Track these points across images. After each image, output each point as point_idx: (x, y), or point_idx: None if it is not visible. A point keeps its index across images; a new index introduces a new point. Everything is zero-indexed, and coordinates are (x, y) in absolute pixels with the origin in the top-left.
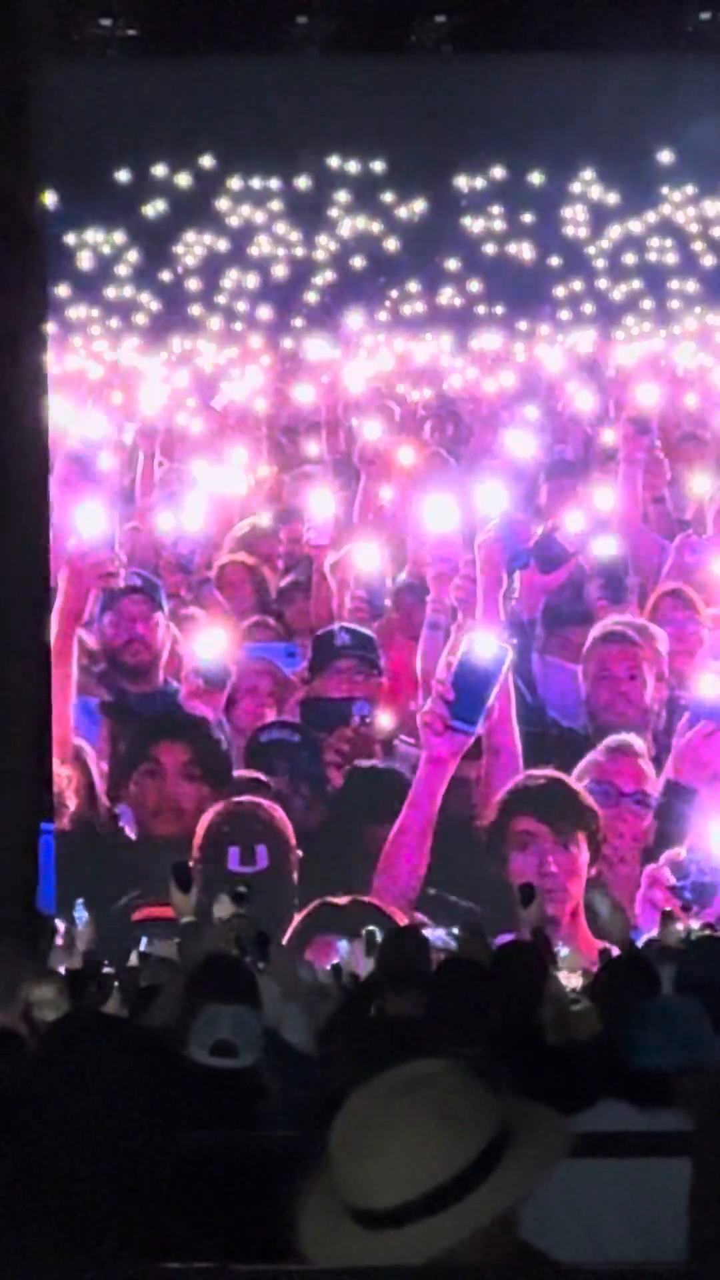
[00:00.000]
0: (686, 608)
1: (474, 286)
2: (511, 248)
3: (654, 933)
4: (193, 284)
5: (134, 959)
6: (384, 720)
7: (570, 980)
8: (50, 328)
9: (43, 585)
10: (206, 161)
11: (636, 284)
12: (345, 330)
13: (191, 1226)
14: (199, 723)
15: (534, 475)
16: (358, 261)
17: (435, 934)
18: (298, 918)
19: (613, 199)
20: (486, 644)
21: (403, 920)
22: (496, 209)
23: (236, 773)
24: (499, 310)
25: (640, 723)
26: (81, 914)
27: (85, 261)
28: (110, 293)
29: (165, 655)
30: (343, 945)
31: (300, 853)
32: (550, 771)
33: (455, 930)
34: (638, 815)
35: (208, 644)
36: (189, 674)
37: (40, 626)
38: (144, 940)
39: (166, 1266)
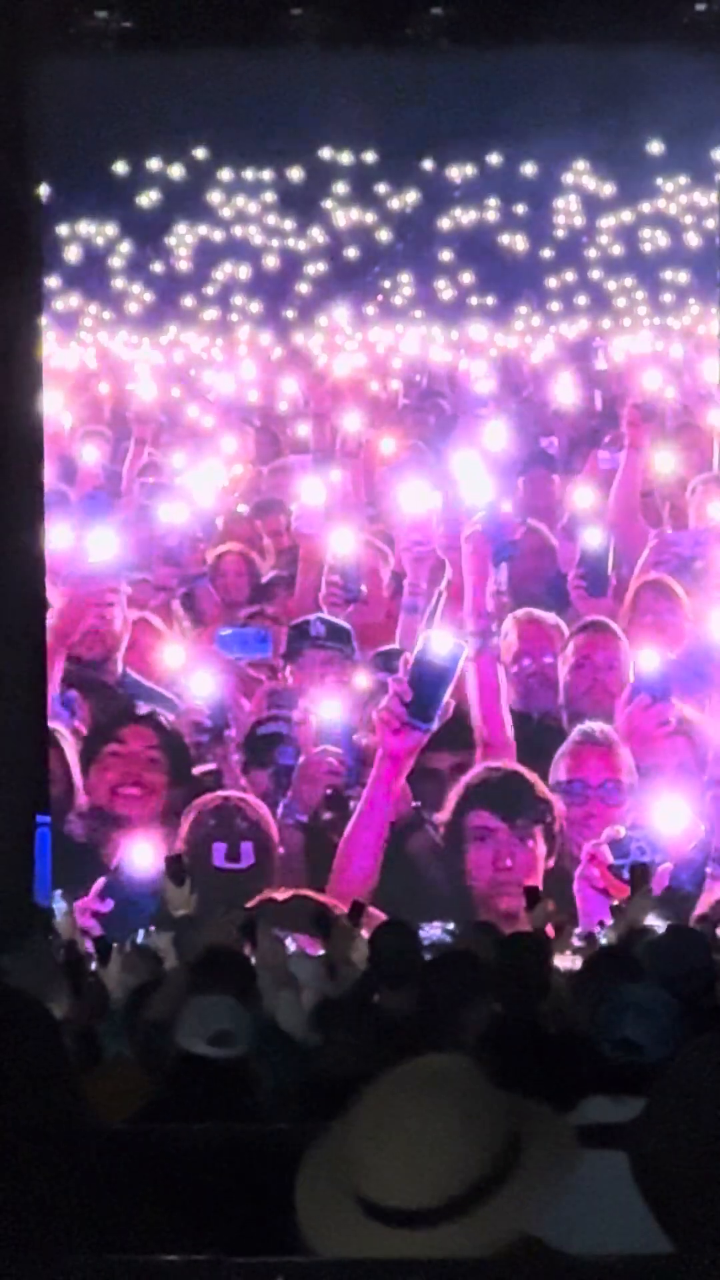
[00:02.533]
0: (668, 599)
1: (466, 277)
2: (504, 238)
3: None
4: (185, 275)
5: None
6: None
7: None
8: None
9: (39, 580)
10: (200, 153)
11: (630, 275)
12: (335, 321)
13: (181, 1216)
14: (159, 714)
15: (518, 467)
16: (350, 252)
17: (431, 930)
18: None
19: (607, 190)
20: (443, 642)
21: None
22: (492, 200)
23: (197, 770)
24: (490, 301)
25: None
26: (60, 904)
27: (74, 253)
28: (102, 283)
29: (124, 646)
30: (290, 943)
31: (283, 850)
32: (508, 764)
33: (451, 926)
34: (609, 805)
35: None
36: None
37: (38, 617)
38: (140, 932)
39: (164, 1259)
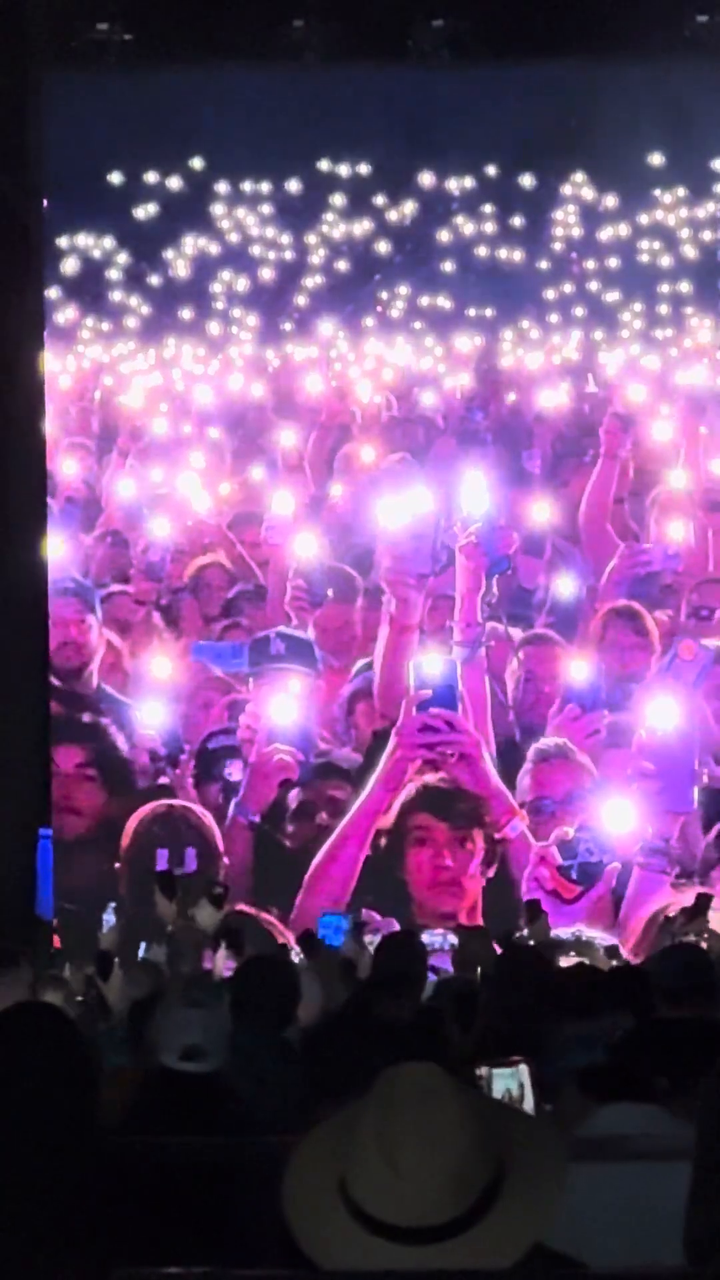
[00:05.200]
0: (635, 631)
1: (461, 290)
2: (501, 252)
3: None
4: (181, 286)
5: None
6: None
7: None
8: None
9: (41, 596)
10: (199, 165)
11: (626, 288)
12: (330, 333)
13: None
14: (99, 727)
15: (508, 480)
16: (343, 265)
17: (433, 936)
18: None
19: (609, 202)
20: (434, 663)
21: (286, 934)
22: (488, 209)
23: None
24: (486, 313)
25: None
26: (110, 918)
27: (72, 265)
28: (98, 295)
29: (98, 659)
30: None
31: (227, 860)
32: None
33: (450, 935)
34: (578, 815)
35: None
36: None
37: (40, 632)
38: (143, 946)
39: (163, 1271)
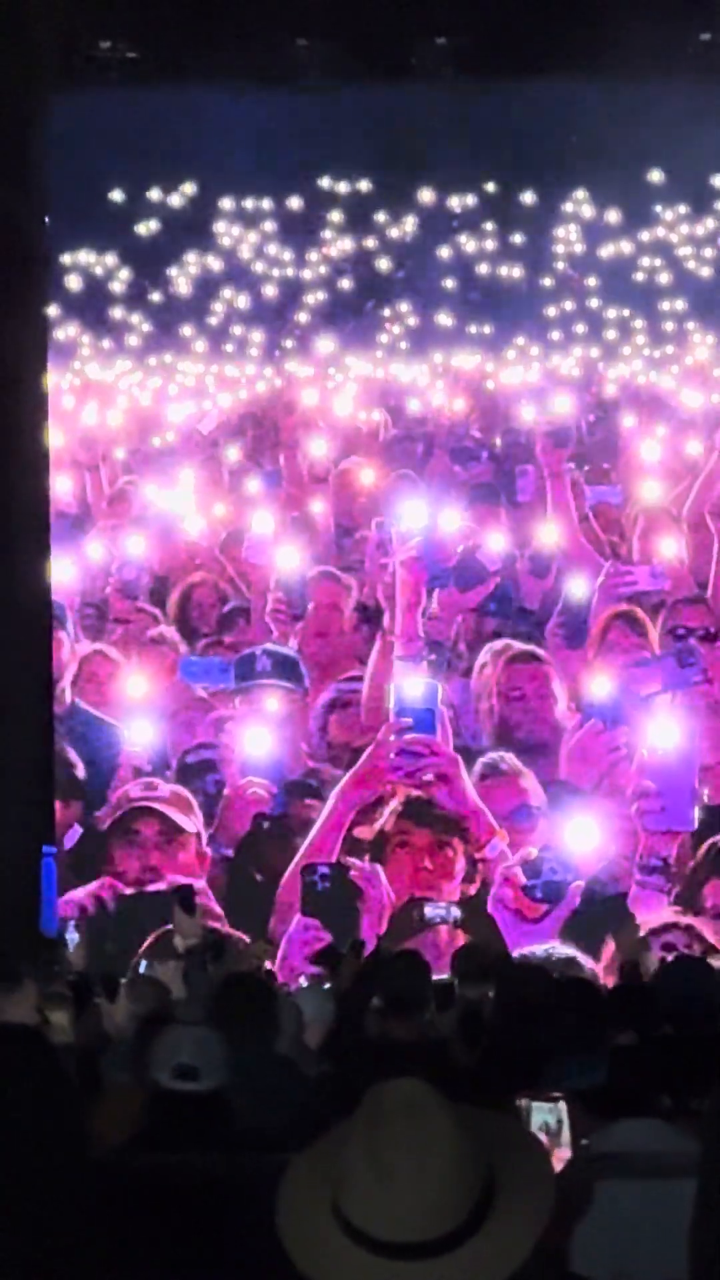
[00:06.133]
0: (636, 633)
1: (461, 307)
2: (501, 269)
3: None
4: (182, 303)
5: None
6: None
7: None
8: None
9: (45, 614)
10: (201, 183)
11: (627, 305)
12: (330, 349)
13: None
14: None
15: (471, 494)
16: (345, 282)
17: (436, 909)
18: (144, 945)
19: (610, 218)
20: (415, 685)
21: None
22: (489, 225)
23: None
24: (486, 330)
25: (553, 741)
26: (73, 935)
27: (74, 282)
28: (100, 312)
29: (70, 676)
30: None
31: (201, 884)
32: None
33: (454, 908)
34: (521, 830)
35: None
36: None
37: (43, 651)
38: (143, 964)
39: None
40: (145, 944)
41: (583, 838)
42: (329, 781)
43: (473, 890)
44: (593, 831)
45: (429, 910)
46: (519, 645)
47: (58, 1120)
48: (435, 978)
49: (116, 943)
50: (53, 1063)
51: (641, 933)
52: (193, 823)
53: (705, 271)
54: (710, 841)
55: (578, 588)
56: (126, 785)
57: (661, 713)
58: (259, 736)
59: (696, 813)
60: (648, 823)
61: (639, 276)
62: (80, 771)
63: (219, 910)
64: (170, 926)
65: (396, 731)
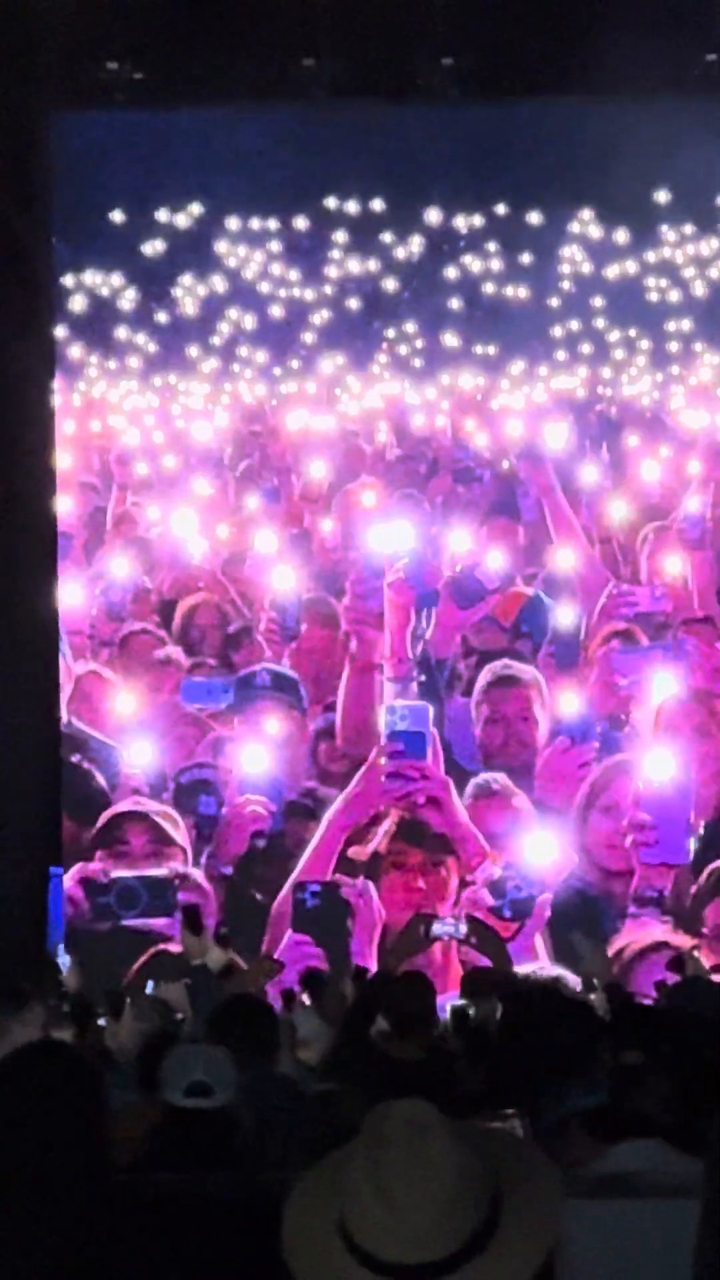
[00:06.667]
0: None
1: (467, 328)
2: (508, 289)
3: None
4: (188, 324)
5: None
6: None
7: None
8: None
9: (53, 636)
10: (206, 203)
11: (634, 325)
12: (335, 370)
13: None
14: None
15: (476, 515)
16: (351, 302)
17: (444, 926)
18: (135, 964)
19: (617, 238)
20: (407, 708)
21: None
22: (495, 246)
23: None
24: (492, 351)
25: (533, 764)
26: (65, 958)
27: (79, 303)
28: (105, 332)
29: (67, 694)
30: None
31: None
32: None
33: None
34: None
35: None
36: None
37: (50, 673)
38: (150, 984)
39: None
40: (137, 962)
41: (542, 852)
42: (326, 802)
43: (460, 911)
44: (551, 845)
45: (437, 926)
46: (512, 668)
47: (90, 1137)
48: (446, 999)
49: (103, 959)
50: (93, 1079)
51: (633, 951)
52: (181, 837)
53: (710, 292)
54: (712, 867)
55: (565, 612)
56: (116, 805)
57: (655, 746)
58: (258, 755)
59: (691, 844)
60: (643, 855)
61: (645, 296)
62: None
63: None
64: (164, 946)
65: (388, 754)
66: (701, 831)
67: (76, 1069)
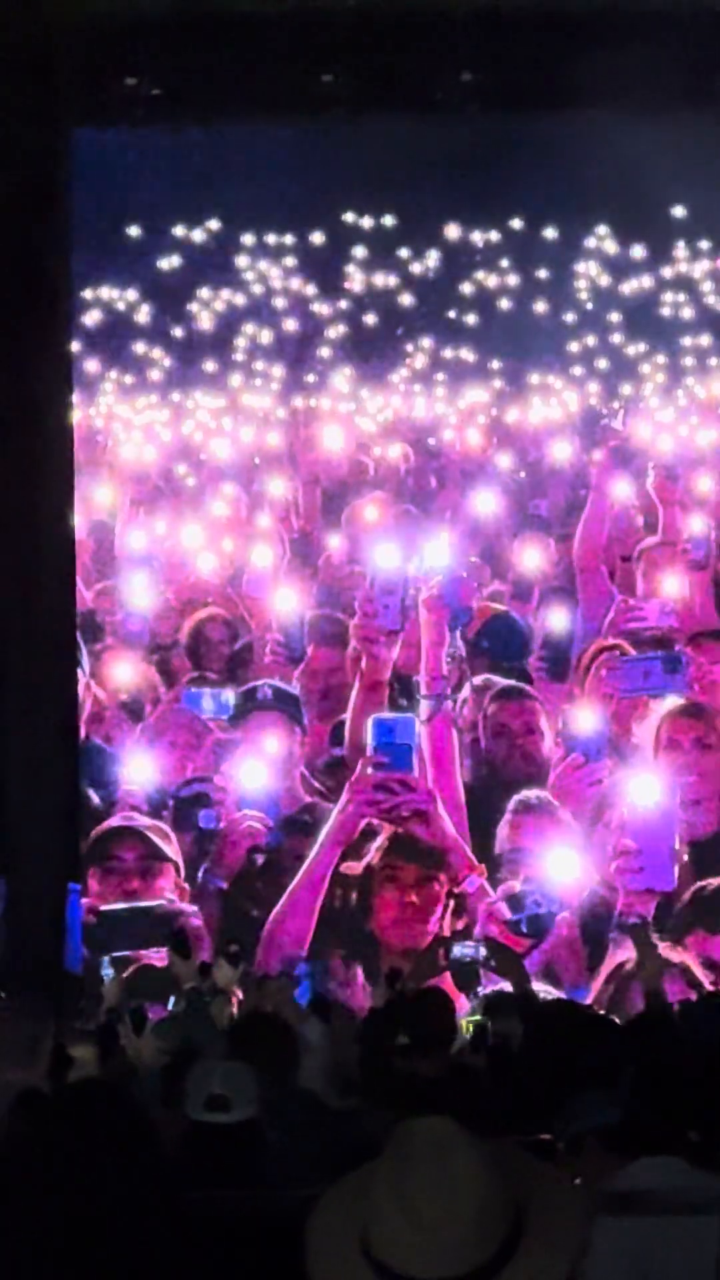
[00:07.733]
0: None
1: (484, 343)
2: (524, 304)
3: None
4: (205, 340)
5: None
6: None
7: None
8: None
9: (72, 655)
10: (224, 218)
11: (650, 340)
12: (352, 384)
13: None
14: None
15: (502, 531)
16: (368, 317)
17: (464, 948)
18: (124, 975)
19: (634, 254)
20: (393, 720)
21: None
22: (511, 261)
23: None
24: (508, 365)
25: (539, 777)
26: (108, 971)
27: (95, 318)
28: (121, 348)
29: (85, 710)
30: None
31: (198, 922)
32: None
33: (481, 946)
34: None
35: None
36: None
37: (68, 685)
38: (171, 1000)
39: None
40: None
41: (564, 869)
42: (323, 818)
43: (461, 925)
44: (574, 863)
45: (457, 949)
46: (506, 680)
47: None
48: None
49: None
50: (139, 1119)
51: (630, 968)
52: (172, 851)
53: None
54: (694, 888)
55: (558, 620)
56: (108, 820)
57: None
58: (256, 770)
59: (676, 871)
60: (627, 881)
61: (661, 312)
62: (96, 804)
63: (208, 941)
64: (147, 961)
65: (372, 766)
66: (687, 856)
67: (126, 1110)
